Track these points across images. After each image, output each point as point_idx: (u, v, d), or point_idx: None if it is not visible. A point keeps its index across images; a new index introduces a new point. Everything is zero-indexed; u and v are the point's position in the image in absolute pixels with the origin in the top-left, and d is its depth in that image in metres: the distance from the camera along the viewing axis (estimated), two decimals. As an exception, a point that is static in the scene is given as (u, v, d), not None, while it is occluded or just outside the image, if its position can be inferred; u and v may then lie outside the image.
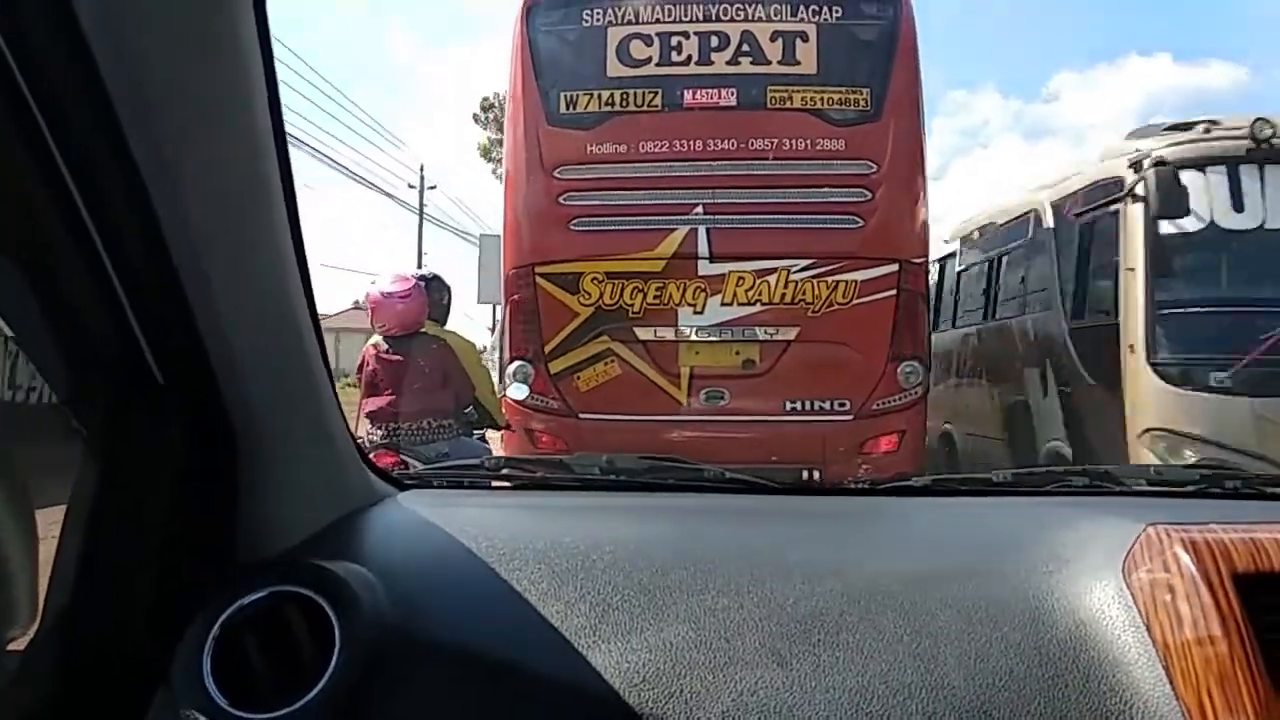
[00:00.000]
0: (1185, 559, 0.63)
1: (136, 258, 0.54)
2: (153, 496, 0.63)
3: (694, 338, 3.63)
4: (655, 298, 3.59)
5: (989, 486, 1.02)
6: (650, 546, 0.75)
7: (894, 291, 3.57)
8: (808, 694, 0.59)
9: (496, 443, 3.69)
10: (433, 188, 23.05)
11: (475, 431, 3.36)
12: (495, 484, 1.08)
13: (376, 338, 3.07)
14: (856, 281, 3.57)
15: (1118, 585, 0.66)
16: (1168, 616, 0.62)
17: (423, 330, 3.06)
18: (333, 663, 0.60)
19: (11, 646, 0.62)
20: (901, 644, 0.62)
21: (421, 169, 18.06)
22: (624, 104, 3.63)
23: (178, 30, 0.50)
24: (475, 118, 19.14)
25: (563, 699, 0.62)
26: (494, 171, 18.31)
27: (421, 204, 17.28)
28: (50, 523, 0.64)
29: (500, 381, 3.67)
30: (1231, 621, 0.60)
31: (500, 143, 17.04)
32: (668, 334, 3.63)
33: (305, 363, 0.70)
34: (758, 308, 3.60)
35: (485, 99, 19.00)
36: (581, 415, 3.59)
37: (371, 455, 1.14)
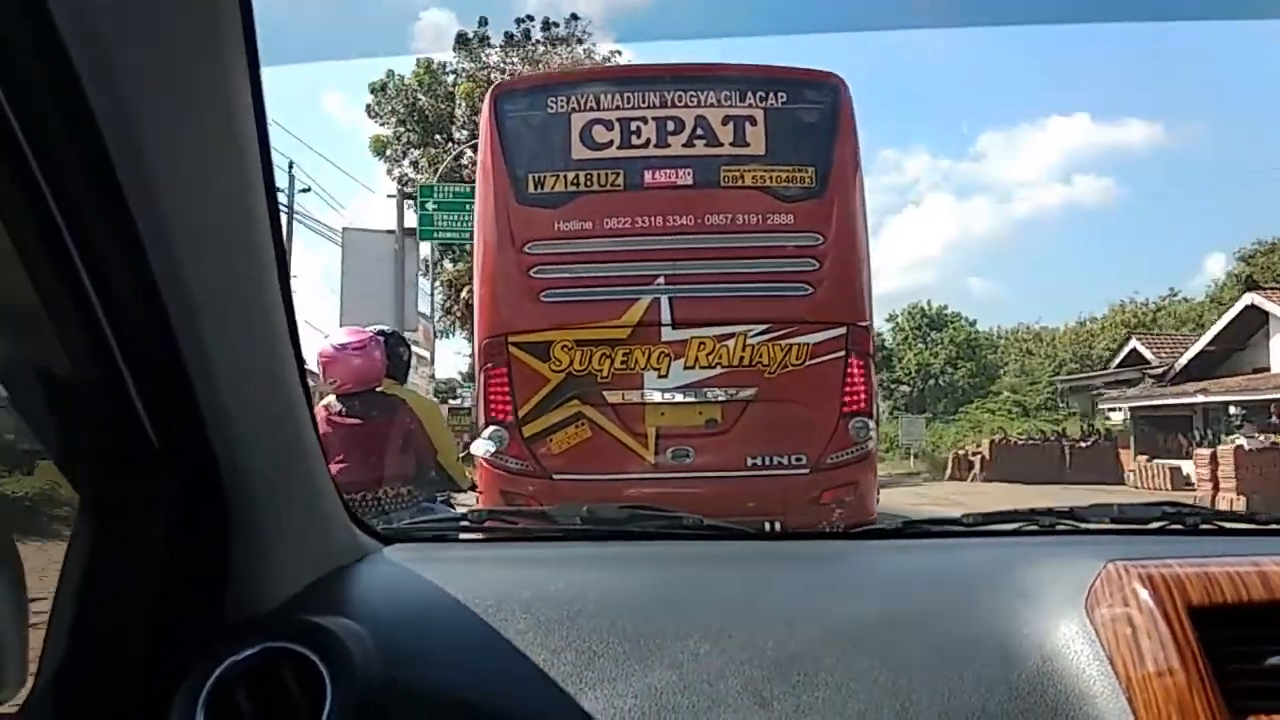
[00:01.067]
0: (1143, 594, 0.67)
1: (134, 323, 0.56)
2: (146, 556, 0.65)
3: (659, 400, 3.87)
4: (622, 363, 3.83)
5: (957, 528, 1.08)
6: (632, 594, 0.79)
7: (843, 353, 3.89)
8: None
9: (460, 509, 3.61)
10: (305, 190, 20.37)
11: (438, 496, 3.14)
12: (478, 536, 1.13)
13: (329, 398, 2.77)
14: (808, 344, 3.88)
15: (1081, 621, 0.69)
16: (1129, 649, 0.65)
17: (380, 389, 2.78)
18: (325, 716, 0.61)
19: (4, 709, 0.63)
20: (877, 684, 0.65)
21: (291, 166, 14.49)
22: (588, 184, 3.94)
23: (167, 75, 0.52)
24: (368, 109, 17.03)
25: None
26: (388, 171, 16.99)
27: (291, 207, 13.78)
28: (43, 581, 0.66)
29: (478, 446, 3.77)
30: (1188, 653, 0.63)
31: (399, 136, 16.92)
32: (634, 397, 3.87)
33: (295, 424, 0.72)
34: (718, 370, 3.87)
35: (374, 82, 16.81)
36: (555, 476, 3.75)
37: None
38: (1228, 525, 1.07)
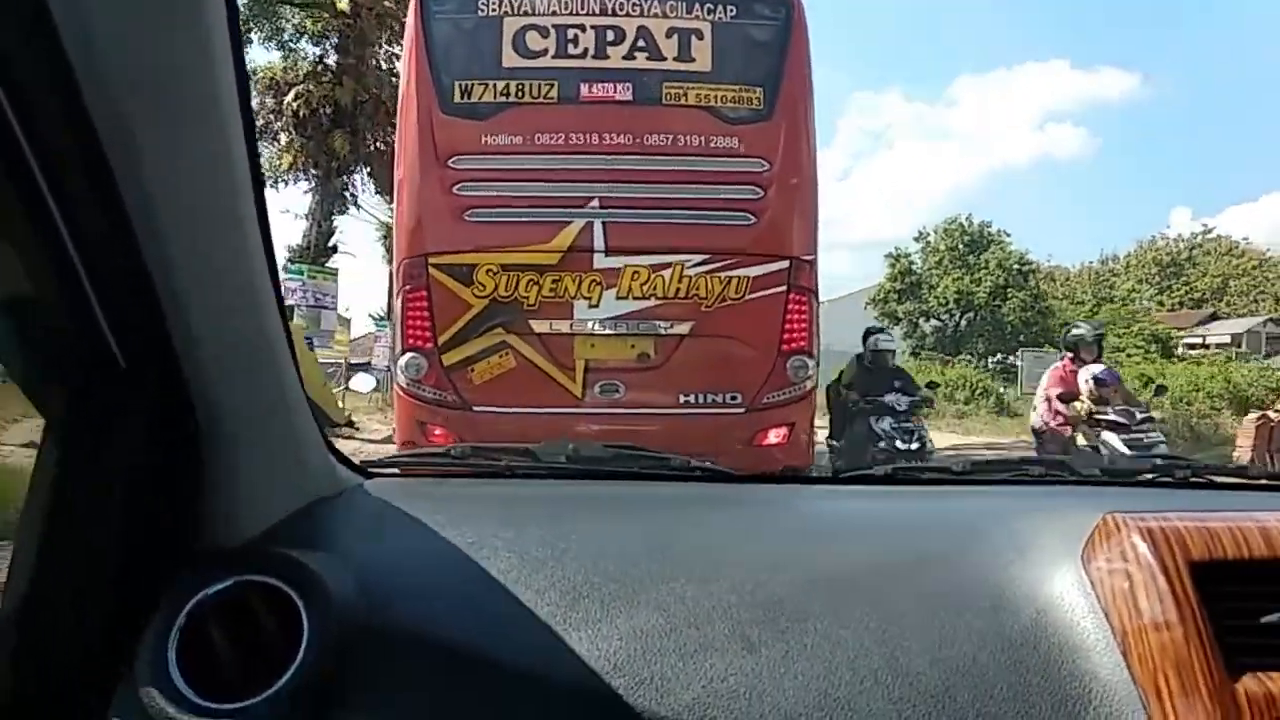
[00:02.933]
0: (1142, 547, 0.78)
1: (98, 239, 0.62)
2: (114, 484, 0.72)
3: (589, 331, 4.46)
4: (551, 291, 4.39)
5: (948, 475, 1.26)
6: (618, 535, 0.91)
7: (784, 288, 4.50)
8: (776, 680, 0.72)
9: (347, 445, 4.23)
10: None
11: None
12: (460, 471, 1.30)
13: None
14: (749, 277, 4.47)
15: (1077, 573, 0.81)
16: (1125, 603, 0.76)
17: None
18: (301, 653, 0.70)
19: None
20: (867, 631, 0.76)
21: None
22: (519, 95, 4.42)
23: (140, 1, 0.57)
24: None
25: (533, 687, 0.73)
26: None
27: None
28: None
29: (393, 374, 4.42)
30: (1187, 608, 0.73)
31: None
32: (563, 327, 4.43)
33: (270, 348, 0.81)
34: (653, 302, 4.45)
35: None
36: (475, 408, 4.36)
37: None
38: (1219, 480, 1.25)
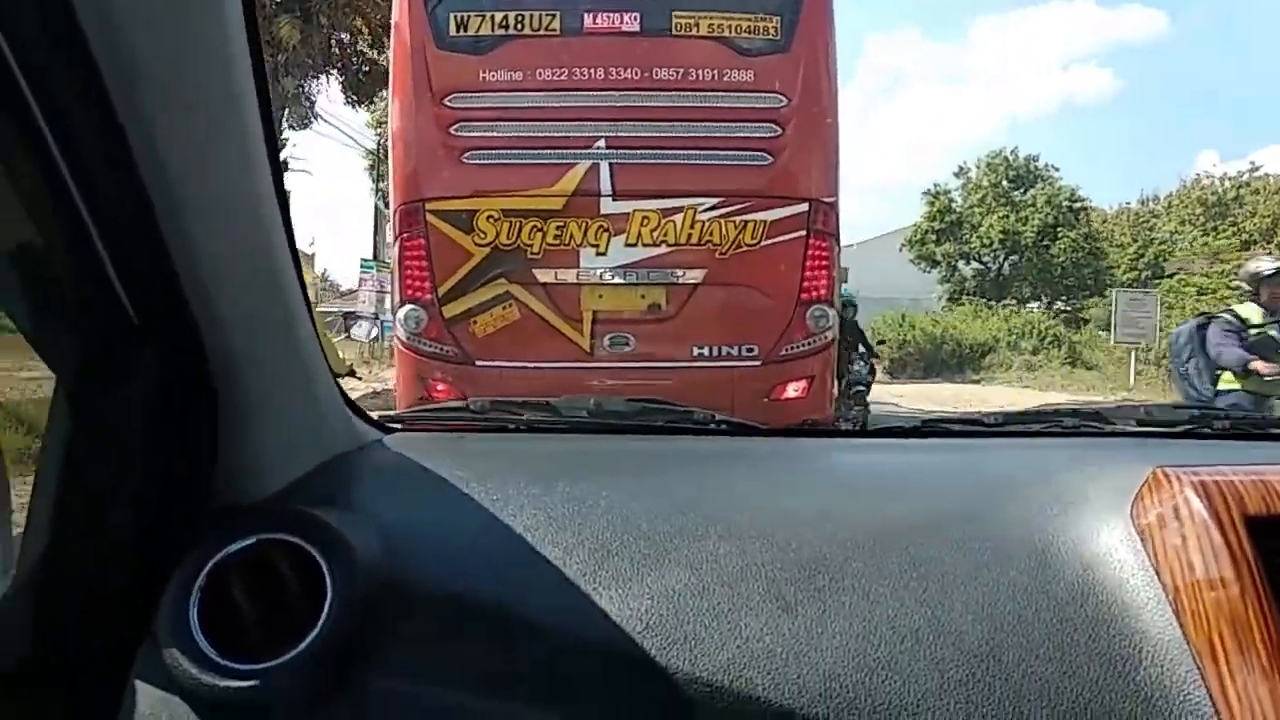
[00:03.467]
0: (1196, 501, 0.79)
1: (109, 193, 0.65)
2: (129, 441, 0.76)
3: (597, 280, 4.48)
4: (555, 237, 4.41)
5: (981, 428, 1.29)
6: (646, 491, 0.93)
7: (804, 233, 4.49)
8: (814, 639, 0.73)
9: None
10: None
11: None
12: (481, 426, 1.32)
13: None
14: (765, 222, 4.46)
15: (1125, 528, 0.82)
16: (1178, 559, 0.77)
17: None
18: (325, 612, 0.73)
19: None
20: (907, 589, 0.78)
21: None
22: (519, 27, 4.38)
23: None
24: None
25: (562, 646, 0.75)
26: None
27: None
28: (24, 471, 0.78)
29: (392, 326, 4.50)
30: (1244, 564, 0.74)
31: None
32: (569, 276, 4.46)
33: (285, 301, 0.83)
34: (663, 249, 4.46)
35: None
36: (478, 362, 4.41)
37: None
38: (1255, 431, 1.29)
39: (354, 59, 15.56)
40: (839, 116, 4.66)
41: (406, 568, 0.80)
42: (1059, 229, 25.84)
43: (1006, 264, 26.68)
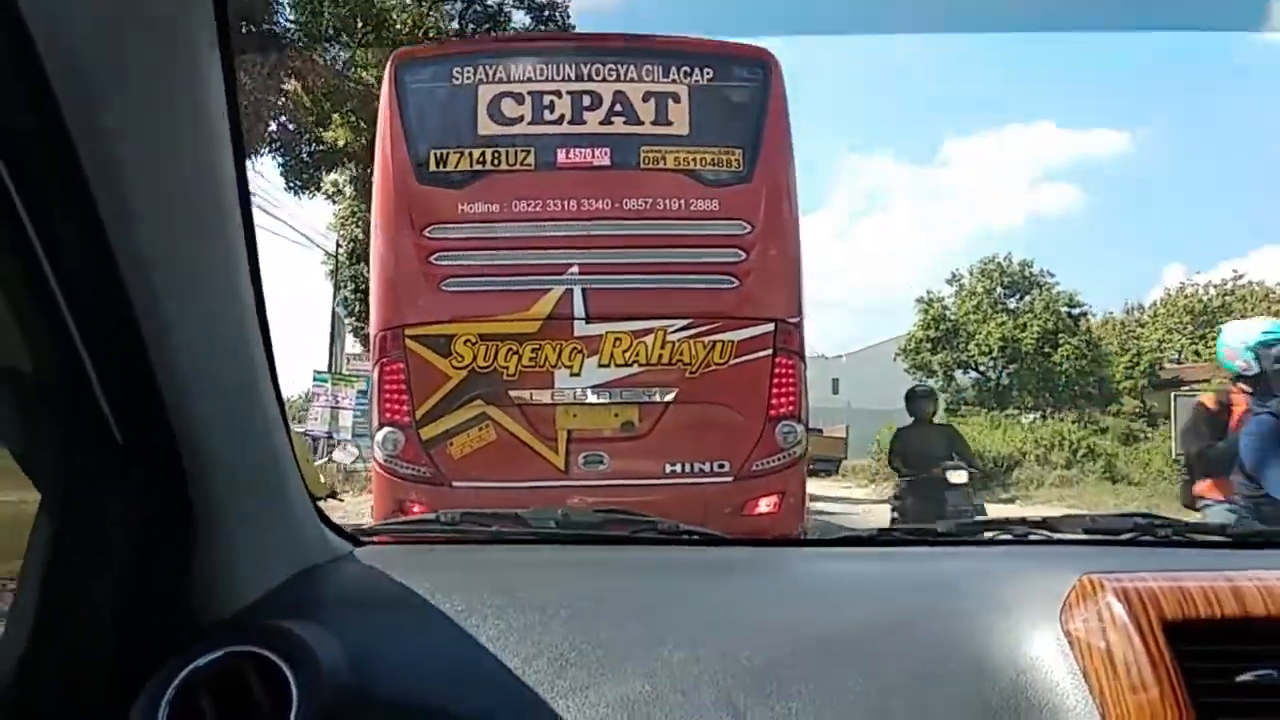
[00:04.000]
0: (1118, 607, 0.89)
1: (98, 318, 0.75)
2: (109, 554, 0.83)
3: (571, 400, 4.82)
4: (531, 360, 4.77)
5: (931, 537, 1.42)
6: (606, 601, 1.01)
7: (770, 351, 4.89)
8: None
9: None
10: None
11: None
12: (450, 538, 1.44)
13: None
14: (733, 342, 4.87)
15: (1055, 634, 0.93)
16: (1103, 664, 0.88)
17: None
18: None
19: None
20: (853, 696, 0.88)
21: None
22: (495, 162, 4.91)
23: (141, 75, 0.70)
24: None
25: None
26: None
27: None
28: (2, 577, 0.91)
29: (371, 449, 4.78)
30: (1162, 668, 0.84)
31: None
32: (544, 397, 4.81)
33: (264, 419, 0.93)
34: (636, 369, 4.83)
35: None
36: (455, 483, 4.69)
37: None
38: (1199, 538, 1.41)
39: (297, 135, 14.33)
40: (800, 240, 5.18)
41: (372, 678, 0.88)
42: (1059, 335, 26.39)
43: (1005, 373, 27.07)
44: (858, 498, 16.81)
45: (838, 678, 0.91)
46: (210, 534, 0.91)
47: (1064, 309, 27.05)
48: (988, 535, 1.47)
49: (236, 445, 0.93)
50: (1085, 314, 27.76)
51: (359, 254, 12.59)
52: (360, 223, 12.40)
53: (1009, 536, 1.44)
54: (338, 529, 1.22)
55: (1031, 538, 1.42)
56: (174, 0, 0.73)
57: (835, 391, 31.61)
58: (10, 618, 0.83)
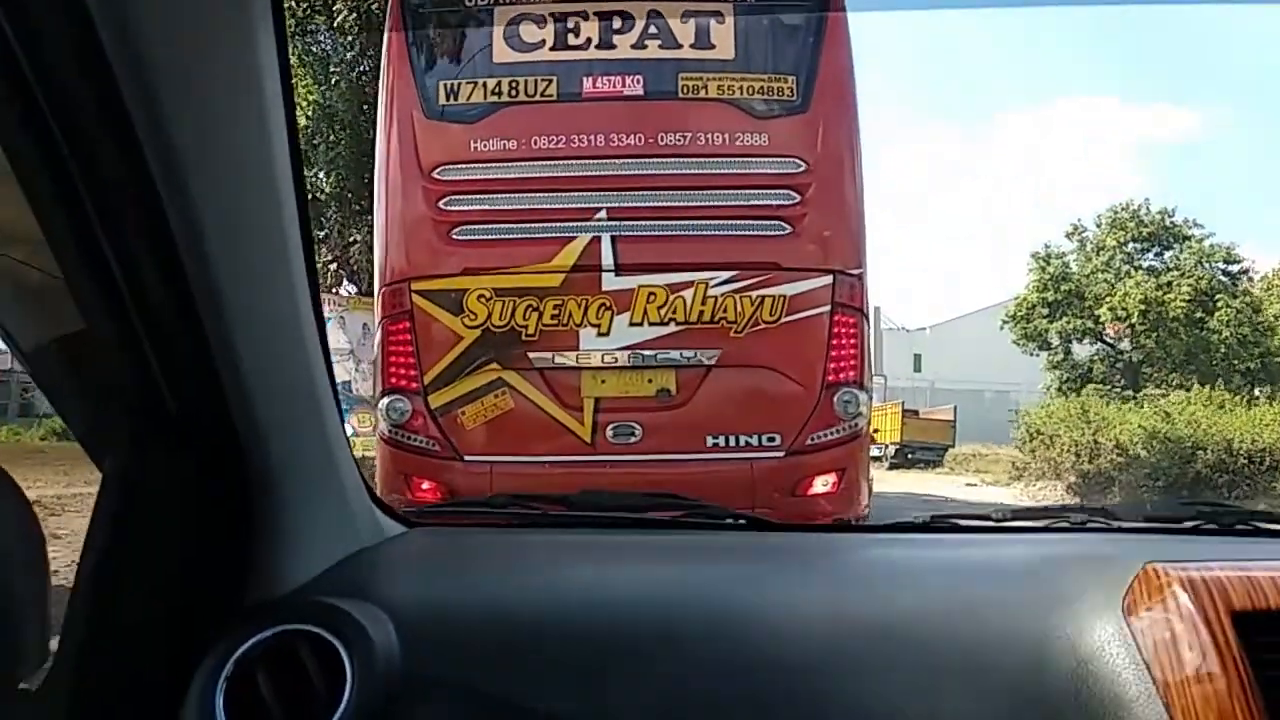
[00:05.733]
0: (1184, 597, 1.01)
1: (156, 300, 0.89)
2: (166, 534, 1.00)
3: (599, 363, 4.99)
4: (553, 318, 4.95)
5: (987, 524, 1.58)
6: (659, 588, 1.19)
7: (828, 307, 5.04)
8: None
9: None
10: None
11: None
12: (501, 521, 1.68)
13: None
14: (785, 296, 5.03)
15: (1118, 624, 1.05)
16: (1167, 654, 0.99)
17: None
18: (344, 700, 0.96)
19: (23, 684, 0.94)
20: (909, 682, 1.03)
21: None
22: (513, 94, 5.11)
23: (206, 72, 0.85)
24: None
25: None
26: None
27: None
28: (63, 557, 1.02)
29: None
30: (1230, 659, 0.95)
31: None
32: (568, 359, 4.99)
33: (316, 400, 1.09)
34: (672, 327, 4.96)
35: None
36: (466, 457, 4.93)
37: None
38: (1265, 526, 1.54)
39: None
40: (863, 181, 5.31)
41: (423, 658, 1.03)
42: (1217, 297, 25.72)
43: (1150, 341, 26.48)
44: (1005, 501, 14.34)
45: (893, 663, 1.06)
46: (265, 515, 1.09)
47: (1220, 265, 26.43)
48: (1044, 522, 1.64)
49: (290, 427, 1.09)
50: (1247, 272, 27.08)
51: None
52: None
53: (1067, 523, 1.61)
54: (390, 510, 1.43)
55: (1091, 525, 1.59)
56: (235, 5, 0.86)
57: (917, 369, 31.55)
58: (71, 598, 0.97)
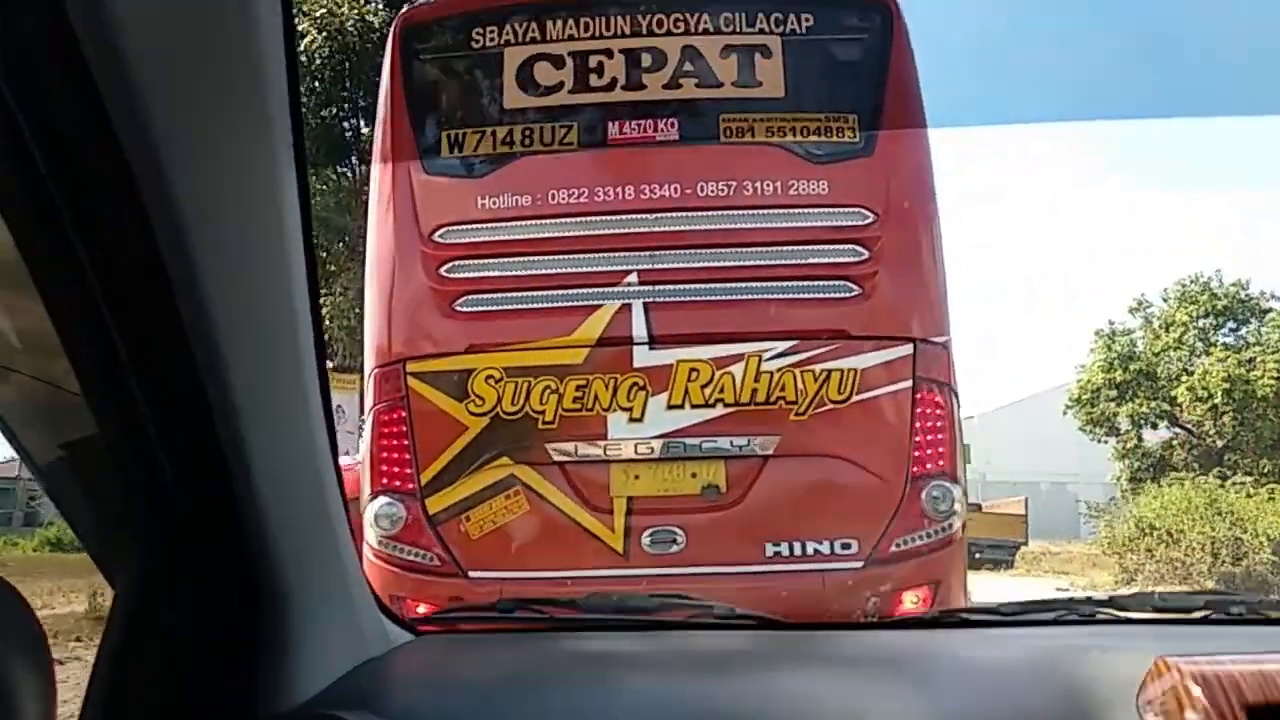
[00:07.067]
0: (1196, 691, 1.03)
1: (167, 404, 0.89)
2: (177, 649, 1.01)
3: (632, 455, 4.35)
4: (575, 401, 4.32)
5: (995, 618, 1.64)
6: (672, 694, 1.22)
7: (909, 383, 4.34)
8: None
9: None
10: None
11: None
12: (507, 627, 1.72)
13: None
14: (856, 370, 4.32)
15: (1132, 717, 1.08)
16: None
17: None
18: None
19: None
20: None
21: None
22: (526, 142, 4.55)
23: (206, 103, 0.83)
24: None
25: None
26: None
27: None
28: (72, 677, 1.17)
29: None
30: None
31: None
32: (594, 451, 4.35)
33: (326, 512, 1.13)
34: (720, 410, 4.32)
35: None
36: (472, 574, 4.28)
37: None
38: (1273, 615, 1.60)
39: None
40: (941, 231, 4.63)
41: None
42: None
43: (1231, 424, 25.53)
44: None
45: None
46: (275, 627, 1.09)
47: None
48: (1053, 615, 1.66)
49: (300, 539, 1.10)
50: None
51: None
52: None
53: (1077, 616, 1.64)
54: (395, 617, 1.47)
55: (1100, 616, 1.63)
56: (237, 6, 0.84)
57: (967, 460, 30.65)
58: (84, 702, 0.99)
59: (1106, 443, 27.19)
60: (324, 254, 12.22)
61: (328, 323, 12.40)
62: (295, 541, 1.08)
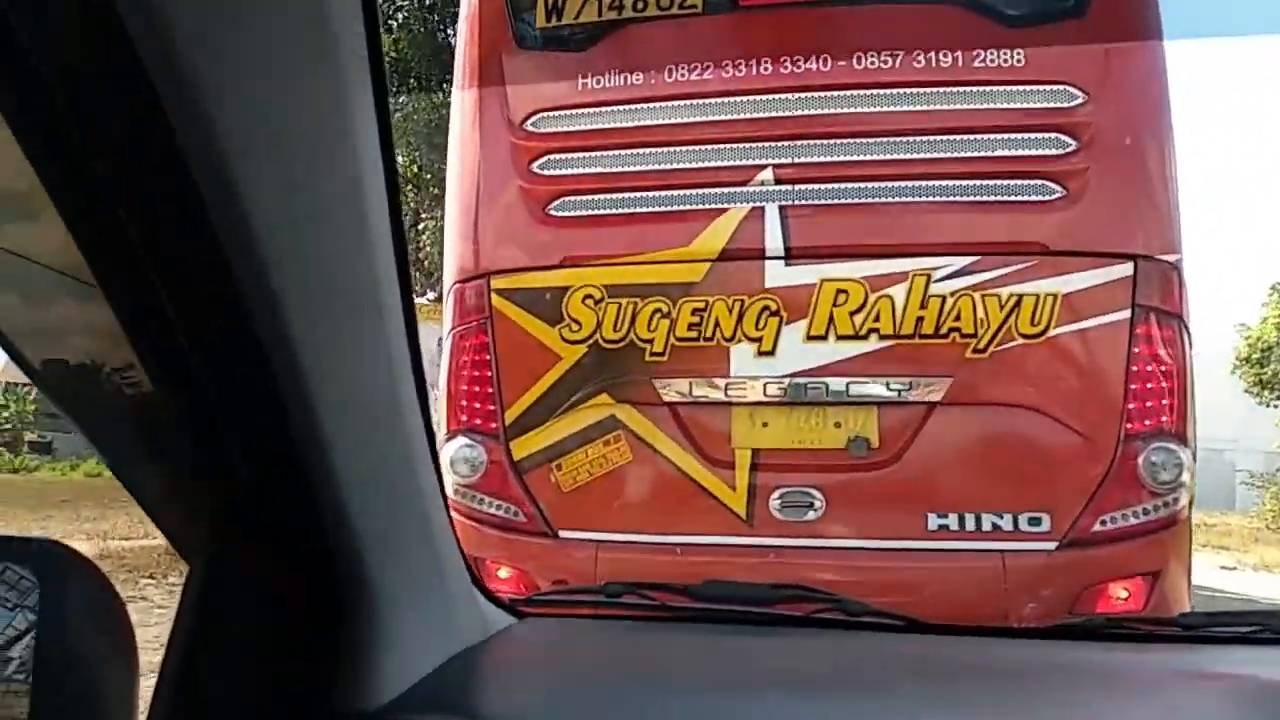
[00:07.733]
0: None
1: (244, 394, 0.87)
2: (255, 646, 0.98)
3: (760, 398, 3.83)
4: (691, 328, 3.83)
5: (1173, 631, 1.57)
6: (800, 702, 1.16)
7: (1127, 313, 3.62)
8: None
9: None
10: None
11: None
12: (616, 613, 1.64)
13: None
14: (1056, 296, 3.64)
15: None
16: None
17: None
18: None
19: None
20: None
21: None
22: (638, 6, 3.95)
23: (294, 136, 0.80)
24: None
25: None
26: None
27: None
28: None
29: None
30: None
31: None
32: (713, 392, 3.84)
33: (419, 489, 1.07)
34: (873, 343, 3.74)
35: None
36: (562, 533, 3.85)
37: None
38: None
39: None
40: (1171, 121, 3.84)
41: None
42: None
43: None
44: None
45: None
46: (361, 613, 1.04)
47: None
48: (1243, 630, 1.56)
49: (389, 520, 1.07)
50: None
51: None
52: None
53: (1268, 632, 1.54)
54: (495, 599, 1.43)
55: (1262, 635, 1.55)
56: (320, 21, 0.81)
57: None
58: (153, 698, 0.96)
59: (1276, 406, 26.07)
60: (429, 175, 12.08)
61: (429, 248, 12.36)
62: (385, 529, 1.02)
